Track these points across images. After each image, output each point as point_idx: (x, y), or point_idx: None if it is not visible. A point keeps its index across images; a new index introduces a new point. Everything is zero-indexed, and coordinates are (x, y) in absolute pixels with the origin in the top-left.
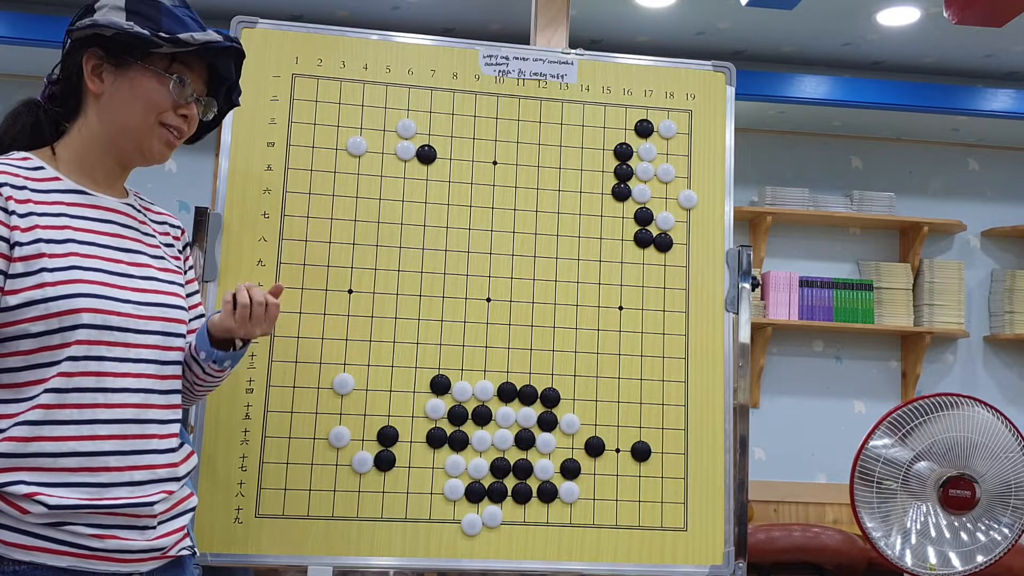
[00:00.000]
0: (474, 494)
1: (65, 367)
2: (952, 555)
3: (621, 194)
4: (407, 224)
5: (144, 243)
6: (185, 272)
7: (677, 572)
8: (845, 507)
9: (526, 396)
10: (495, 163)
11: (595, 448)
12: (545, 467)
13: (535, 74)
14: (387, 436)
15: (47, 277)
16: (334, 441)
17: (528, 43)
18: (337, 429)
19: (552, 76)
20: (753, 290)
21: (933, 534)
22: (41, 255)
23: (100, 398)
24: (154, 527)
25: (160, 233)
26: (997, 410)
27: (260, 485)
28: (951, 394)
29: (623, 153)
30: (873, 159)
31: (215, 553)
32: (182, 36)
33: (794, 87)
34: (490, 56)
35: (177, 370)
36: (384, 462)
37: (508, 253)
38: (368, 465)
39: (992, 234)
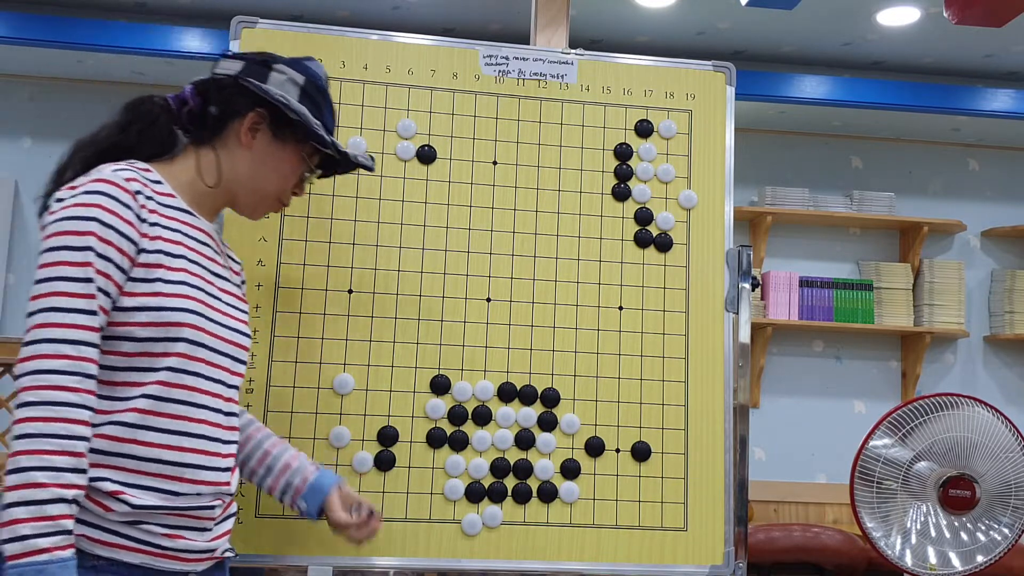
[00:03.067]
0: (474, 494)
1: (164, 376)
2: (952, 555)
3: (621, 194)
4: (407, 224)
5: (228, 269)
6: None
7: (677, 572)
8: (845, 507)
9: (526, 396)
10: (495, 163)
11: (595, 448)
12: (545, 467)
13: (535, 74)
14: (387, 436)
15: (162, 287)
16: (334, 441)
17: (528, 43)
18: (337, 429)
19: (552, 76)
20: (753, 290)
21: (933, 534)
22: (160, 265)
23: (189, 412)
24: (211, 529)
25: (233, 271)
26: (997, 410)
27: None
28: (951, 394)
29: (623, 153)
30: (873, 159)
31: None
32: (348, 151)
33: (794, 87)
34: (490, 56)
35: (237, 395)
36: (384, 462)
37: (508, 253)
38: (368, 465)
39: (992, 234)
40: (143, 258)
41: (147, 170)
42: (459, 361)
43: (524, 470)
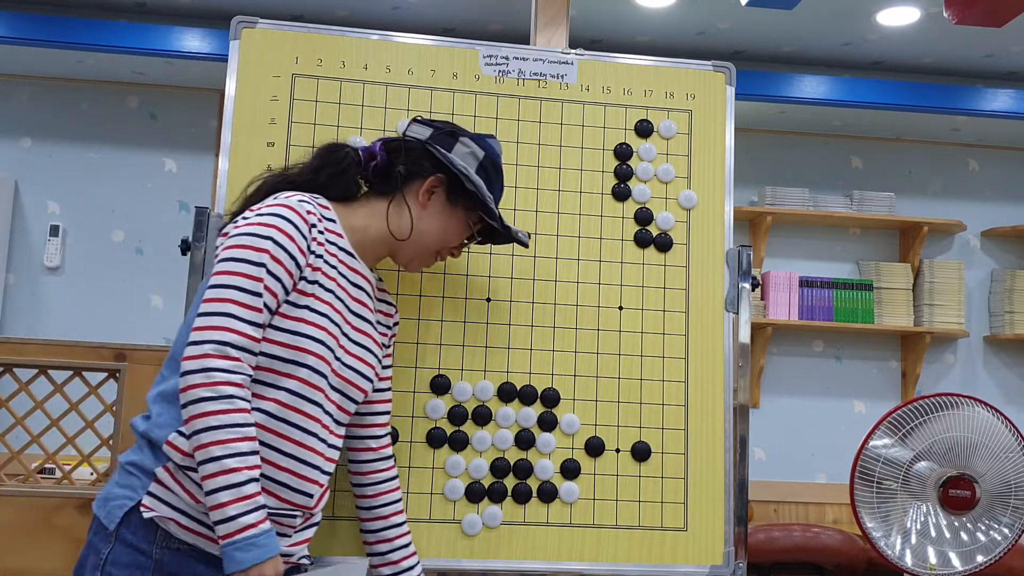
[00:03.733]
0: (474, 494)
1: (283, 396)
2: (952, 555)
3: (621, 194)
4: None
5: (378, 313)
6: (388, 346)
7: (677, 572)
8: (845, 507)
9: (526, 396)
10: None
11: (595, 448)
12: (545, 467)
13: (535, 74)
14: None
15: (306, 315)
16: None
17: (528, 43)
18: None
19: (552, 76)
20: (753, 290)
21: (933, 534)
22: (313, 295)
23: (297, 435)
24: (290, 535)
25: (384, 313)
26: (997, 410)
27: None
28: (951, 394)
29: (623, 153)
30: (873, 159)
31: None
32: (511, 227)
33: (794, 87)
34: (490, 56)
35: (343, 431)
36: None
37: (508, 253)
38: None
39: (992, 234)
40: (302, 285)
41: (326, 207)
42: (459, 361)
43: (524, 470)
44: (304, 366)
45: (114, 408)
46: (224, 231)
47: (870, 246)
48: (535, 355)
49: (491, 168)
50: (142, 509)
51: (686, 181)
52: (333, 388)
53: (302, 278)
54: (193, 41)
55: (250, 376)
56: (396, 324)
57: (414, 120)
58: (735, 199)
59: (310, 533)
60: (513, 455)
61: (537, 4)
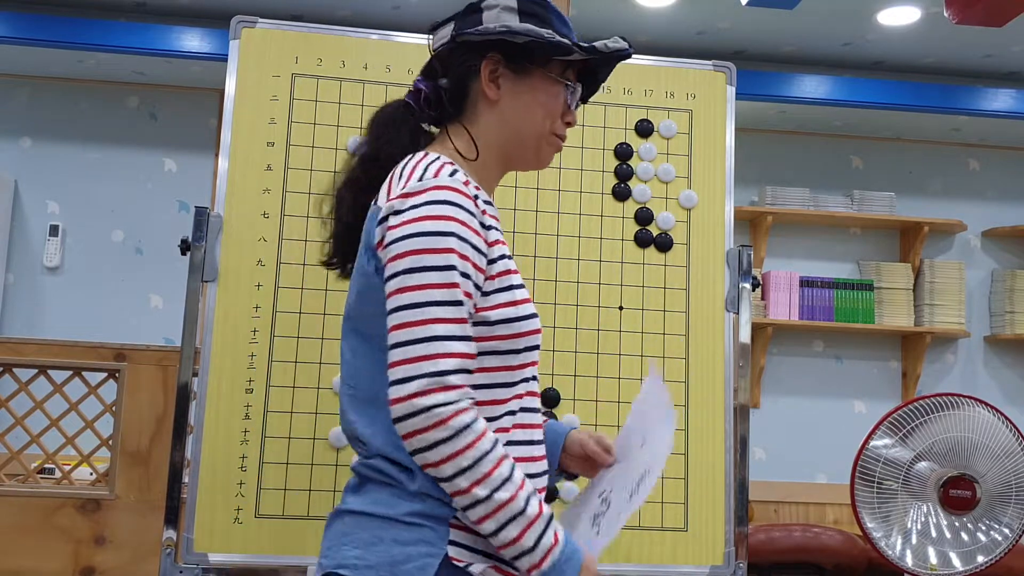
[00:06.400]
0: None
1: (521, 389)
2: (953, 555)
3: (621, 194)
4: None
5: None
6: None
7: (677, 572)
8: (845, 507)
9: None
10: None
11: None
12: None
13: None
14: None
15: (517, 294)
16: (334, 441)
17: None
18: (337, 429)
19: None
20: (753, 290)
21: (934, 534)
22: (507, 271)
23: (532, 419)
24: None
25: None
26: (998, 410)
27: (260, 485)
28: (951, 394)
29: (623, 153)
30: (873, 159)
31: (215, 553)
32: (597, 45)
33: (794, 87)
34: None
35: None
36: None
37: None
38: None
39: (992, 234)
40: (491, 269)
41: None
42: None
43: None
44: (533, 348)
45: (114, 408)
46: (387, 223)
47: (870, 246)
48: None
49: (532, 6)
50: (455, 562)
51: (686, 181)
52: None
53: (489, 261)
54: (193, 41)
55: (474, 397)
56: None
57: (432, 27)
58: (735, 199)
59: None
60: None
61: None
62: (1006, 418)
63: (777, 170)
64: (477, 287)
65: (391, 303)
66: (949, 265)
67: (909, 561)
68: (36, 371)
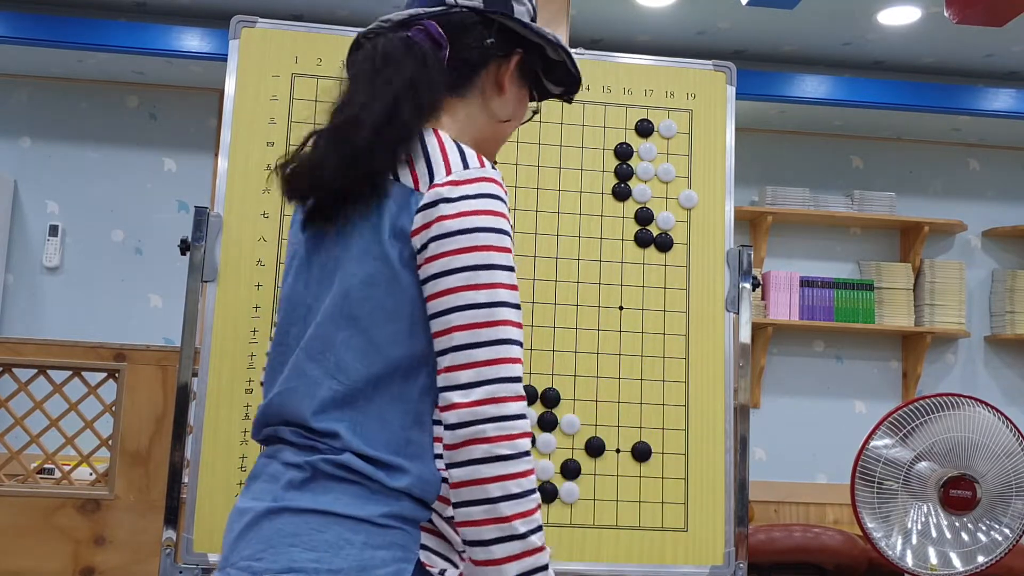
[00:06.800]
0: None
1: None
2: (953, 555)
3: (621, 194)
4: None
5: None
6: None
7: (677, 572)
8: (846, 507)
9: (526, 396)
10: (495, 163)
11: (595, 448)
12: (545, 467)
13: None
14: None
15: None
16: None
17: None
18: None
19: None
20: (754, 290)
21: (934, 534)
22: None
23: None
24: None
25: None
26: (998, 410)
27: None
28: (952, 394)
29: (623, 153)
30: (874, 159)
31: (215, 553)
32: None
33: (794, 87)
34: None
35: None
36: None
37: None
38: None
39: (993, 234)
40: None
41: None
42: None
43: None
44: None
45: (113, 408)
46: (436, 211)
47: (871, 246)
48: (535, 355)
49: (535, 19)
50: (427, 568)
51: (686, 181)
52: None
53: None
54: (192, 41)
55: None
56: None
57: None
58: (736, 199)
59: None
60: None
61: (537, 4)
62: (1006, 418)
63: (777, 170)
64: None
65: (454, 300)
66: (949, 265)
67: (909, 561)
68: (36, 371)
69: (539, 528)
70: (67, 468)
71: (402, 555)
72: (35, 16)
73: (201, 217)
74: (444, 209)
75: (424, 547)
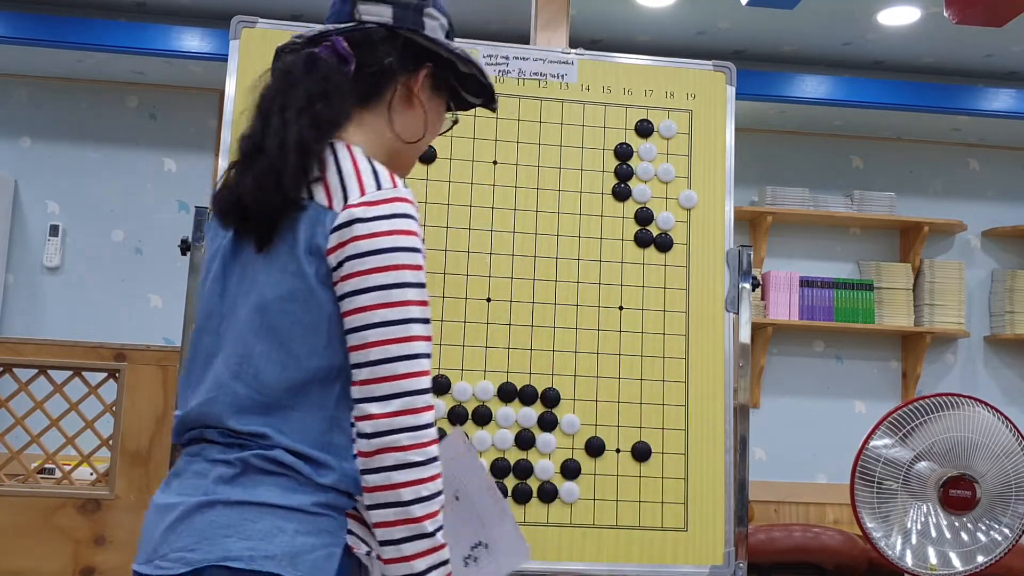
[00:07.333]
0: None
1: None
2: (952, 555)
3: (621, 194)
4: None
5: None
6: None
7: (677, 572)
8: (845, 507)
9: (526, 396)
10: (495, 163)
11: (595, 448)
12: (545, 467)
13: (535, 74)
14: None
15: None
16: None
17: (528, 43)
18: None
19: (552, 76)
20: (753, 290)
21: (933, 534)
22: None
23: None
24: None
25: None
26: (998, 410)
27: None
28: (951, 394)
29: (623, 153)
30: (873, 159)
31: None
32: (493, 89)
33: (794, 87)
34: (490, 56)
35: None
36: None
37: (508, 253)
38: None
39: (993, 234)
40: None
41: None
42: (459, 361)
43: (524, 470)
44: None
45: (114, 408)
46: (350, 231)
47: (870, 246)
48: (535, 355)
49: (452, 32)
50: (353, 551)
51: (686, 181)
52: None
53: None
54: (193, 41)
55: None
56: None
57: None
58: (735, 199)
59: None
60: (513, 455)
61: (537, 4)
62: (1006, 418)
63: (777, 170)
64: None
65: (370, 317)
66: (949, 265)
67: (909, 561)
68: (36, 371)
69: (442, 527)
70: (67, 468)
71: (331, 540)
72: (35, 16)
73: (201, 217)
74: (358, 229)
75: (351, 532)
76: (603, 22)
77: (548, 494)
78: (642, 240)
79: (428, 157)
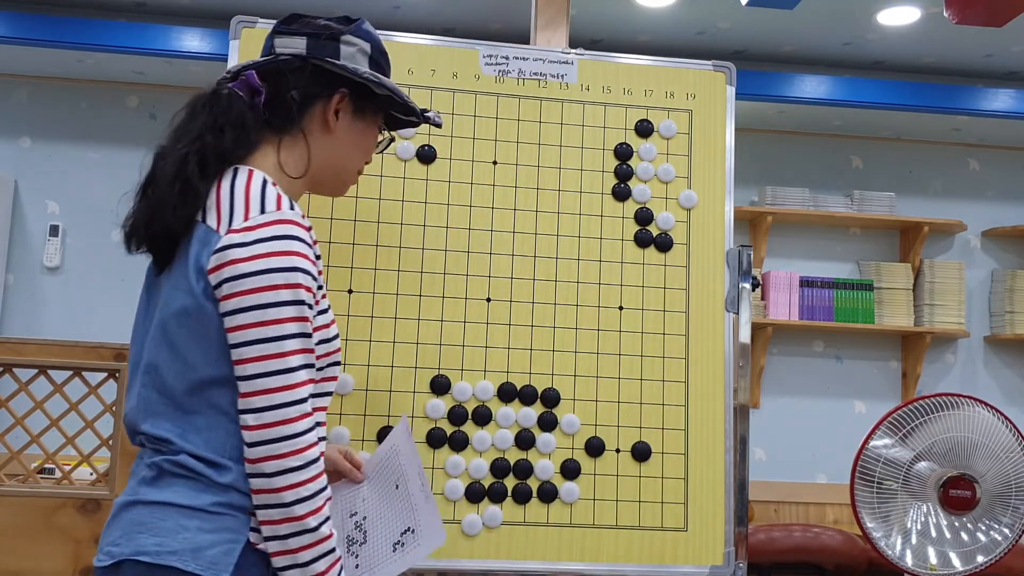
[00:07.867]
0: (474, 494)
1: (323, 402)
2: (952, 555)
3: (621, 194)
4: (407, 224)
5: None
6: None
7: (677, 572)
8: (845, 507)
9: (526, 396)
10: (495, 163)
11: (595, 448)
12: (545, 467)
13: (535, 74)
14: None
15: (329, 315)
16: (334, 441)
17: (528, 43)
18: (337, 429)
19: (552, 76)
20: (753, 290)
21: (933, 534)
22: (325, 295)
23: (322, 433)
24: None
25: None
26: (997, 410)
27: None
28: (951, 394)
29: (623, 153)
30: (873, 159)
31: None
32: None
33: (794, 87)
34: (490, 56)
35: None
36: None
37: (508, 253)
38: None
39: (993, 234)
40: (318, 293)
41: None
42: (459, 361)
43: (524, 470)
44: (336, 364)
45: (114, 408)
46: (229, 254)
47: (870, 246)
48: (535, 355)
49: (380, 57)
50: (255, 547)
51: (686, 181)
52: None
53: (319, 287)
54: (193, 41)
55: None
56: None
57: (275, 31)
58: (735, 199)
59: None
60: (513, 455)
61: (537, 4)
62: (1006, 418)
63: (777, 170)
64: (313, 312)
65: (246, 335)
66: (949, 265)
67: (909, 561)
68: (36, 371)
69: (327, 519)
70: (67, 468)
71: (231, 537)
72: (35, 16)
73: None
74: (236, 253)
75: (254, 529)
76: (603, 22)
77: (548, 494)
78: (642, 240)
79: (428, 157)
